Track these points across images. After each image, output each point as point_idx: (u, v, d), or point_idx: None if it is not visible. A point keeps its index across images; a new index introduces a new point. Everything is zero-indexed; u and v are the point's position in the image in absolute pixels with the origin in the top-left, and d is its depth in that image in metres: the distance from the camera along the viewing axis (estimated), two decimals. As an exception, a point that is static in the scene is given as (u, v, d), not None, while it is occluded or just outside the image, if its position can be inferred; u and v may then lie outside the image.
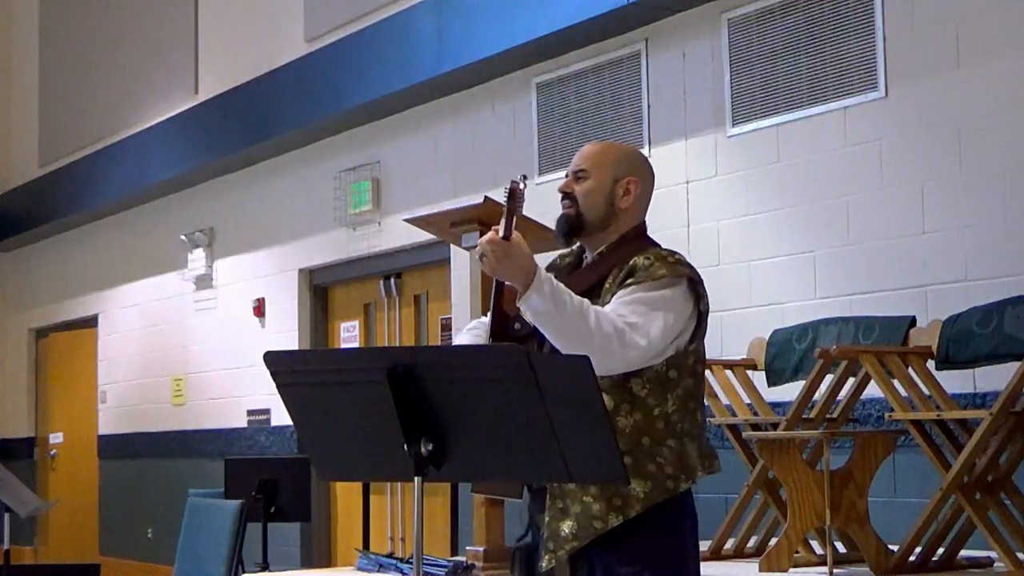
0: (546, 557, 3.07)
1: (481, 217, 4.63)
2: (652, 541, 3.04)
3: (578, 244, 3.26)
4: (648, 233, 3.25)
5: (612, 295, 3.05)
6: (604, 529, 3.01)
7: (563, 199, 3.21)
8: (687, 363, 3.08)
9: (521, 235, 2.96)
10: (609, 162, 3.20)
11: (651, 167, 3.29)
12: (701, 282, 3.10)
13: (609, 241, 3.18)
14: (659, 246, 3.17)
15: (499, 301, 3.11)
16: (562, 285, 2.97)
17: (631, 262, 3.06)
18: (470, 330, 3.30)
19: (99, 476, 12.53)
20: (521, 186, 2.93)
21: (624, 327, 2.94)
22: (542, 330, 2.98)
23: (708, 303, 3.12)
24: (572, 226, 3.18)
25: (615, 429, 2.85)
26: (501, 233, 2.92)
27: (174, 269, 11.14)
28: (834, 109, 6.09)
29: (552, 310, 2.92)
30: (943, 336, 4.91)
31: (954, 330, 4.90)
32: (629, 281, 3.04)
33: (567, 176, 3.23)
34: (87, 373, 12.69)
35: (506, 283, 3.03)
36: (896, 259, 5.81)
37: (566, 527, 3.04)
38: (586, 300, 2.98)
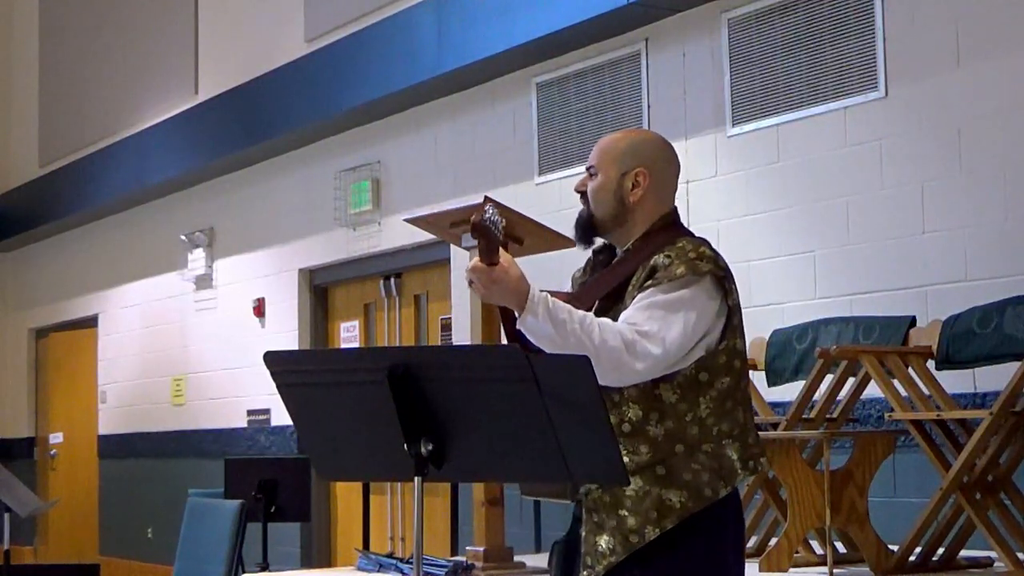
0: (584, 573, 2.98)
1: (481, 217, 4.62)
2: (691, 550, 2.92)
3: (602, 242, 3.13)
4: (681, 222, 3.09)
5: (632, 298, 2.93)
6: (641, 543, 2.89)
7: (581, 198, 3.10)
8: (719, 362, 2.93)
9: (511, 258, 2.85)
10: (615, 156, 3.05)
11: (670, 152, 3.12)
12: (727, 276, 2.96)
13: (634, 237, 3.04)
14: (690, 235, 3.03)
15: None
16: (560, 303, 2.85)
17: (651, 261, 2.93)
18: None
19: (99, 476, 12.53)
20: (488, 214, 2.78)
21: (634, 338, 2.82)
22: (545, 350, 2.85)
23: (738, 297, 2.98)
24: (584, 228, 3.08)
25: (614, 429, 2.80)
26: (485, 259, 2.81)
27: (174, 269, 11.14)
28: (834, 109, 6.09)
29: (551, 331, 2.81)
30: (943, 336, 4.92)
31: (954, 330, 4.90)
32: (648, 283, 2.91)
33: (586, 171, 3.12)
34: (87, 373, 12.69)
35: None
36: (896, 259, 5.81)
37: (603, 542, 2.94)
38: (589, 315, 2.86)
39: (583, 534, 3.01)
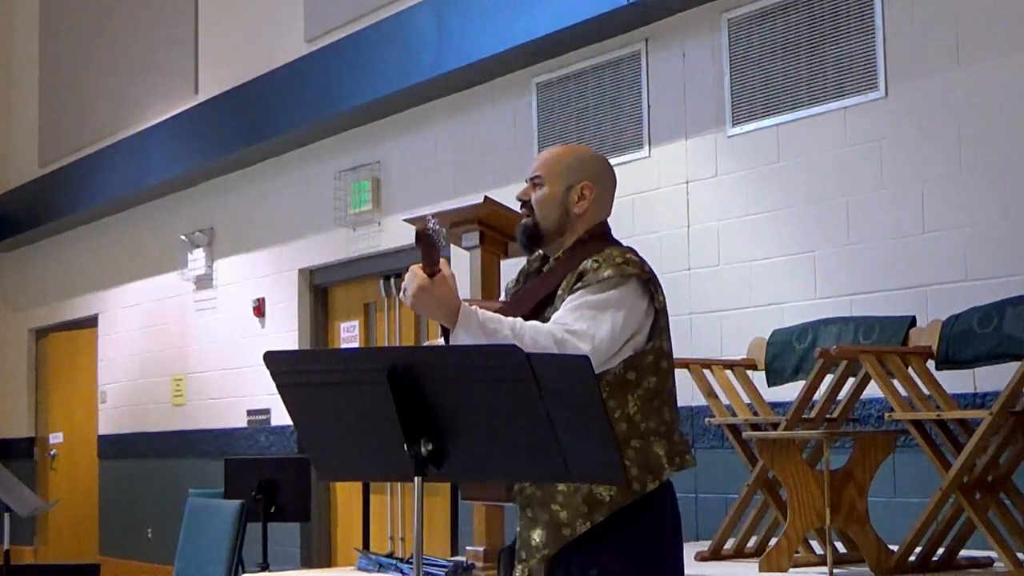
0: (519, 567, 3.08)
1: (481, 217, 4.62)
2: (624, 542, 3.00)
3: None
4: (611, 233, 3.20)
5: (563, 302, 3.02)
6: (573, 536, 3.00)
7: (521, 207, 3.20)
8: (646, 362, 3.03)
9: (451, 272, 2.91)
10: (562, 168, 3.17)
11: (610, 169, 3.24)
12: (652, 279, 3.05)
13: (565, 246, 3.15)
14: (619, 245, 3.13)
15: None
16: (489, 312, 2.93)
17: (579, 267, 3.03)
18: None
19: (99, 476, 12.53)
20: (431, 225, 2.85)
21: (564, 336, 2.90)
22: None
23: (664, 299, 3.08)
24: (530, 236, 3.17)
25: (614, 429, 2.81)
26: (427, 268, 2.88)
27: (174, 269, 11.14)
28: (834, 109, 6.09)
29: (486, 343, 2.88)
30: (943, 336, 4.91)
31: (954, 330, 4.90)
32: (577, 286, 3.00)
33: (526, 182, 3.21)
34: (87, 373, 12.69)
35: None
36: (896, 259, 5.81)
37: (536, 536, 3.04)
38: (518, 319, 2.94)
39: (518, 530, 3.10)
